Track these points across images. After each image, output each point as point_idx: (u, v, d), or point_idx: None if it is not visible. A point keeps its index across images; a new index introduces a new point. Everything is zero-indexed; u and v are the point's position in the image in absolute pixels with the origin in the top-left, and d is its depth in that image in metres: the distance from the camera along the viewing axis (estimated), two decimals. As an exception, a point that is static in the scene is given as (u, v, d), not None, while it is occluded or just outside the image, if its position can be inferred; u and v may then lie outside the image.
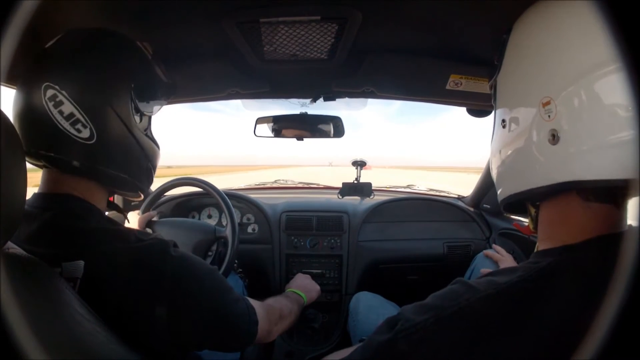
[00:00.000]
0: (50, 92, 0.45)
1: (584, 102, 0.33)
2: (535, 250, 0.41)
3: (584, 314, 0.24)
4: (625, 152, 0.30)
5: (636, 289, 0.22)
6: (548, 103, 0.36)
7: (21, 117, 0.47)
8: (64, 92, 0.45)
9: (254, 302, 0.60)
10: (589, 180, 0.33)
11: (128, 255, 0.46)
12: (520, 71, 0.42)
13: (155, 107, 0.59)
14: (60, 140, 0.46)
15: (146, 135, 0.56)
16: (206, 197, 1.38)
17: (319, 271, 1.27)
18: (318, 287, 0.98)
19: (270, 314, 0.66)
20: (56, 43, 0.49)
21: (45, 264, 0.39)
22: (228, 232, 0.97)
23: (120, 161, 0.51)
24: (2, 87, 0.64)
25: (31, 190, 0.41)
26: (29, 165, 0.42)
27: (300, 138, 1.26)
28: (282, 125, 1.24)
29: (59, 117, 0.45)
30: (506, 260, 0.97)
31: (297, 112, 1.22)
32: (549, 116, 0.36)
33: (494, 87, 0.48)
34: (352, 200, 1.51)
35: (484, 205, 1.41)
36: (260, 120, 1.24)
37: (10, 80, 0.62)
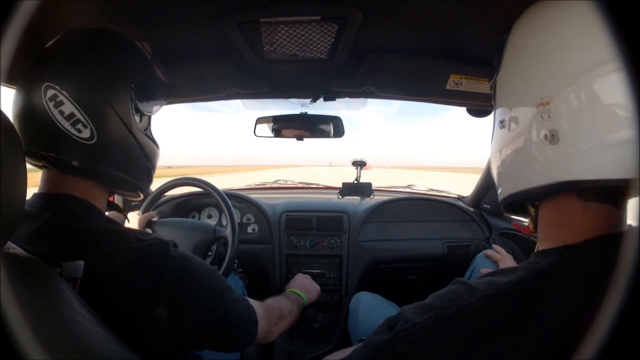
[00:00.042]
0: (50, 92, 0.45)
1: (583, 102, 0.33)
2: (536, 250, 0.41)
3: (584, 314, 0.24)
4: (625, 152, 0.30)
5: (636, 289, 0.22)
6: (547, 103, 0.36)
7: (21, 118, 0.47)
8: (64, 92, 0.45)
9: (253, 302, 0.60)
10: (588, 180, 0.33)
11: (128, 255, 0.46)
12: (520, 71, 0.41)
13: (155, 107, 0.59)
14: (61, 141, 0.46)
15: (146, 135, 0.56)
16: (206, 197, 1.38)
17: (319, 271, 1.27)
18: (318, 287, 0.98)
19: (270, 314, 0.66)
20: (56, 43, 0.49)
21: (45, 264, 0.39)
22: (228, 232, 0.97)
23: (120, 161, 0.51)
24: (2, 87, 0.64)
25: (31, 191, 0.41)
26: (28, 166, 0.42)
27: (300, 138, 1.26)
28: (282, 125, 1.24)
29: (59, 118, 0.45)
30: (506, 260, 0.97)
31: (297, 112, 1.22)
32: (548, 116, 0.36)
33: (493, 87, 0.48)
34: (352, 200, 1.51)
35: (484, 205, 1.41)
36: (260, 120, 1.24)
37: (10, 80, 0.62)
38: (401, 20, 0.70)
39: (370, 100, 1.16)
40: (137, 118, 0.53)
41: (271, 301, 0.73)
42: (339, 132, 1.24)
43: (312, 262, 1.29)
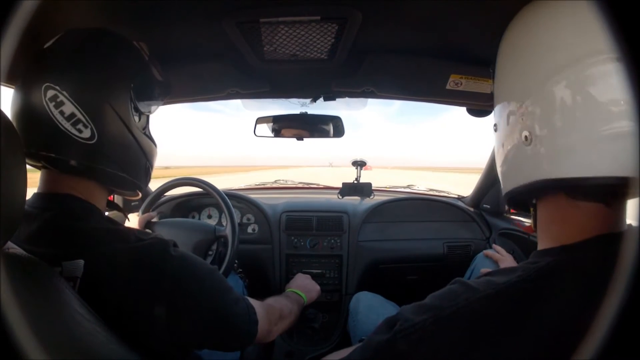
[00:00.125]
0: (50, 93, 0.45)
1: (552, 104, 0.35)
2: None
3: (584, 314, 0.24)
4: (599, 150, 0.32)
5: (636, 289, 0.22)
6: (521, 107, 0.38)
7: (20, 118, 0.47)
8: (65, 92, 0.45)
9: (254, 302, 0.60)
10: (562, 179, 0.34)
11: (128, 254, 0.46)
12: (505, 74, 0.43)
13: (153, 107, 0.59)
14: (61, 141, 0.46)
15: (145, 134, 0.56)
16: (206, 197, 1.38)
17: (319, 271, 1.27)
18: (318, 287, 0.98)
19: (270, 313, 0.66)
20: (55, 43, 0.49)
21: (46, 263, 0.39)
22: (228, 231, 0.97)
23: (120, 160, 0.52)
24: (2, 87, 0.64)
25: (31, 191, 0.41)
26: (28, 166, 0.42)
27: (300, 138, 1.26)
28: (282, 125, 1.24)
29: (59, 118, 0.45)
30: (506, 260, 0.97)
31: (297, 112, 1.22)
32: (522, 119, 0.38)
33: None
34: (352, 200, 1.51)
35: (484, 205, 1.41)
36: (260, 120, 1.24)
37: (10, 80, 0.62)
38: (401, 20, 0.70)
39: (370, 100, 1.16)
40: (136, 117, 0.53)
41: (271, 301, 0.73)
42: (338, 132, 1.24)
43: (312, 262, 1.29)
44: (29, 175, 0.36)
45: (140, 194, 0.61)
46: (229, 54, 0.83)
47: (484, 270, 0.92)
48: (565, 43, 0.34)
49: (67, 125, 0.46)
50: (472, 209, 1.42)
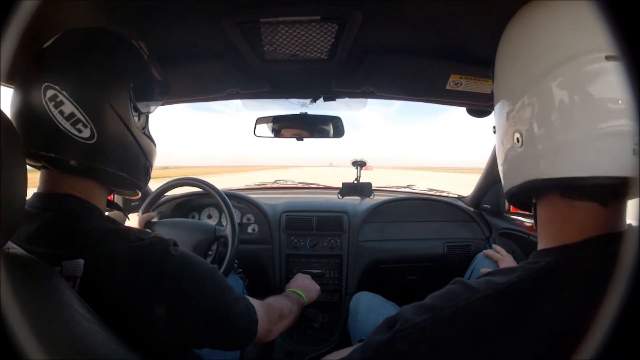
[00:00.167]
0: (50, 93, 0.45)
1: (544, 103, 0.35)
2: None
3: (584, 313, 0.24)
4: (591, 150, 0.32)
5: (636, 289, 0.22)
6: (516, 106, 0.38)
7: (20, 118, 0.47)
8: (64, 92, 0.45)
9: (254, 301, 0.60)
10: (554, 178, 0.35)
11: (128, 254, 0.46)
12: (501, 75, 0.44)
13: (153, 106, 0.59)
14: (61, 141, 0.46)
15: (144, 133, 0.56)
16: (206, 197, 1.38)
17: (319, 271, 1.27)
18: (318, 287, 0.98)
19: (270, 313, 0.66)
20: (55, 43, 0.49)
21: (45, 263, 0.39)
22: (228, 231, 0.97)
23: (119, 160, 0.52)
24: (2, 87, 0.64)
25: (31, 191, 0.41)
26: (28, 166, 0.42)
27: (300, 138, 1.26)
28: (282, 125, 1.24)
29: (59, 118, 0.45)
30: (506, 260, 0.97)
31: (297, 112, 1.22)
32: (514, 121, 0.39)
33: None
34: (352, 200, 1.51)
35: (484, 205, 1.41)
36: (260, 120, 1.24)
37: (10, 80, 0.62)
38: (401, 20, 0.70)
39: (370, 101, 1.16)
40: (135, 117, 0.53)
41: (271, 300, 0.73)
42: (338, 132, 1.24)
43: (312, 262, 1.29)
44: (29, 175, 0.36)
45: (139, 194, 0.61)
46: (229, 54, 0.83)
47: (484, 270, 0.92)
48: (561, 41, 0.34)
49: (67, 125, 0.46)
50: (472, 209, 1.42)
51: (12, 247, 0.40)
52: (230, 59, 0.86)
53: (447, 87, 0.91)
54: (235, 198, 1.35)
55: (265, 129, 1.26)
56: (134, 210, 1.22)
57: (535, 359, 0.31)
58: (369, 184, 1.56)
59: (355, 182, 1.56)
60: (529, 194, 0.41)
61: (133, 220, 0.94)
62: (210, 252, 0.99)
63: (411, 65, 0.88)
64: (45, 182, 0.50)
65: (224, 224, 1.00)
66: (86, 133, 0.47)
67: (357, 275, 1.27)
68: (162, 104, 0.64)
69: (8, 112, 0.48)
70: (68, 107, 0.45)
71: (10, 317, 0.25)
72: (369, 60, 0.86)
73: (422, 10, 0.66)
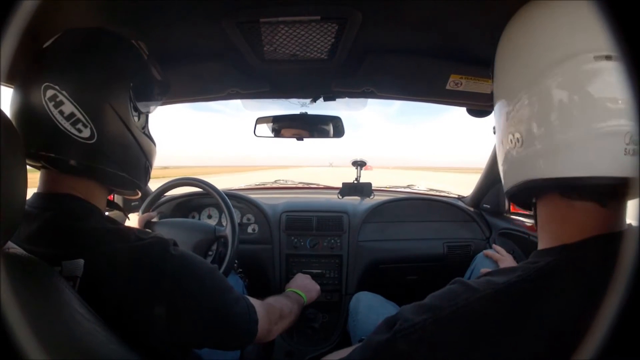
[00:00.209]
0: (50, 93, 0.45)
1: (541, 103, 0.36)
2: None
3: (584, 313, 0.24)
4: (587, 150, 0.32)
5: (636, 289, 0.22)
6: (512, 110, 0.39)
7: (20, 118, 0.47)
8: (64, 92, 0.45)
9: (254, 301, 0.60)
10: (551, 178, 0.35)
11: (128, 254, 0.46)
12: (500, 75, 0.44)
13: (153, 106, 0.59)
14: (61, 141, 0.46)
15: (144, 133, 0.56)
16: (206, 197, 1.38)
17: (319, 271, 1.27)
18: (318, 287, 0.98)
19: (271, 313, 0.66)
20: (55, 43, 0.49)
21: (45, 263, 0.39)
22: (228, 231, 0.97)
23: (119, 160, 0.52)
24: (2, 87, 0.64)
25: (31, 191, 0.41)
26: (28, 166, 0.42)
27: (300, 138, 1.26)
28: (282, 125, 1.24)
29: (59, 118, 0.45)
30: (506, 260, 0.97)
31: (297, 112, 1.22)
32: (513, 121, 0.39)
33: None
34: (352, 200, 1.51)
35: (484, 205, 1.41)
36: (260, 120, 1.24)
37: (10, 80, 0.62)
38: (401, 20, 0.70)
39: (370, 100, 1.16)
40: (135, 117, 0.53)
41: (271, 300, 0.73)
42: (338, 132, 1.24)
43: (312, 262, 1.29)
44: (29, 175, 0.36)
45: (139, 194, 0.61)
46: (229, 54, 0.83)
47: (484, 270, 0.92)
48: (561, 40, 0.34)
49: (67, 125, 0.46)
50: (472, 209, 1.43)
51: (12, 247, 0.40)
52: (230, 59, 0.86)
53: (447, 87, 0.91)
54: (235, 198, 1.35)
55: (265, 129, 1.26)
56: (134, 210, 1.22)
57: (535, 359, 0.31)
58: (369, 184, 1.56)
59: (355, 182, 1.56)
60: (529, 194, 0.41)
61: (133, 220, 0.94)
62: (210, 252, 0.99)
63: (411, 65, 0.88)
64: (45, 182, 0.50)
65: (224, 224, 1.00)
66: (86, 133, 0.47)
67: (357, 275, 1.27)
68: (162, 104, 0.64)
69: (8, 112, 0.48)
70: (68, 107, 0.45)
71: (10, 317, 0.25)
72: (369, 60, 0.86)
73: (422, 10, 0.66)
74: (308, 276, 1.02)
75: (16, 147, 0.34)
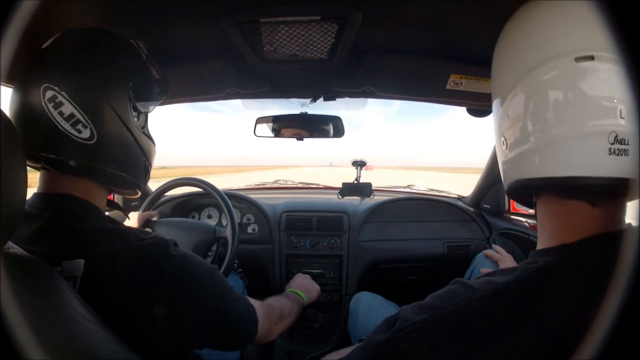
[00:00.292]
0: (49, 93, 0.45)
1: (520, 108, 0.37)
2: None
3: (583, 313, 0.24)
4: (573, 149, 0.33)
5: (636, 289, 0.22)
6: (507, 108, 0.39)
7: (19, 119, 0.47)
8: (63, 92, 0.45)
9: (254, 302, 0.60)
10: (539, 178, 0.36)
11: (128, 254, 0.46)
12: (497, 74, 0.44)
13: (152, 106, 0.59)
14: (61, 142, 0.46)
15: (143, 133, 0.56)
16: (206, 197, 1.38)
17: (319, 271, 1.27)
18: (318, 287, 0.98)
19: (271, 313, 0.66)
20: (54, 43, 0.49)
21: (46, 263, 0.39)
22: (228, 232, 0.97)
23: (119, 160, 0.52)
24: (2, 87, 0.64)
25: (30, 191, 0.41)
26: (28, 167, 0.42)
27: (300, 138, 1.26)
28: (282, 125, 1.24)
29: (59, 118, 0.45)
30: (506, 260, 0.97)
31: (297, 112, 1.22)
32: (508, 120, 0.39)
33: None
34: (352, 200, 1.51)
35: (484, 205, 1.41)
36: (260, 120, 1.24)
37: (10, 80, 0.62)
38: (401, 20, 0.70)
39: (370, 100, 1.16)
40: (134, 117, 0.53)
41: (271, 300, 0.73)
42: (338, 132, 1.24)
43: (312, 262, 1.29)
44: (29, 175, 0.36)
45: (139, 193, 0.61)
46: (229, 54, 0.83)
47: (484, 270, 0.92)
48: (556, 38, 0.35)
49: (67, 126, 0.46)
50: (472, 209, 1.42)
51: (12, 247, 0.40)
52: (230, 59, 0.86)
53: (447, 87, 0.91)
54: (235, 198, 1.35)
55: (265, 128, 1.26)
56: (134, 210, 1.22)
57: (535, 359, 0.32)
58: (369, 184, 1.56)
59: (355, 182, 1.56)
60: (528, 193, 0.42)
61: (133, 218, 0.94)
62: (210, 253, 0.99)
63: (411, 65, 0.88)
64: (45, 182, 0.50)
65: (224, 224, 1.00)
66: (86, 133, 0.47)
67: (357, 275, 1.27)
68: (162, 104, 0.64)
69: (8, 112, 0.48)
70: (68, 108, 0.45)
71: (10, 317, 0.25)
72: (369, 60, 0.86)
73: (422, 10, 0.66)
74: (308, 276, 1.02)
75: (16, 147, 0.34)
